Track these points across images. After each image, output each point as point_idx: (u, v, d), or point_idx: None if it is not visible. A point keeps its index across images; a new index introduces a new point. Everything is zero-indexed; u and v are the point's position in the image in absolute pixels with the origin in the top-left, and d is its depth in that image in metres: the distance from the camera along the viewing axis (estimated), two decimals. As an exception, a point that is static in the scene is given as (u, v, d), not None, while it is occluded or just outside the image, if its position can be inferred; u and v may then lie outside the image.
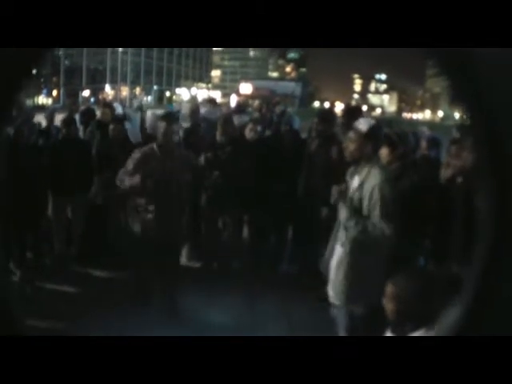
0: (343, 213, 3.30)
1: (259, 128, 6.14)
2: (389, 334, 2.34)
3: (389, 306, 2.33)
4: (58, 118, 6.55)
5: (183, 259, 5.94)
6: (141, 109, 8.92)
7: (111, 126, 5.85)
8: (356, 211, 3.23)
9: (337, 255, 3.41)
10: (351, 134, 3.41)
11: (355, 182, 3.32)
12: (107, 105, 8.46)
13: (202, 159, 5.47)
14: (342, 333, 3.40)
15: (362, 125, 3.35)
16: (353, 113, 5.20)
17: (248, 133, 5.72)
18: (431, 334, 2.07)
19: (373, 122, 3.45)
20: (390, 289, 2.33)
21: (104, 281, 5.48)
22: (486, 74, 0.84)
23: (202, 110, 7.26)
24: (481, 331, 0.87)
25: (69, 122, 5.95)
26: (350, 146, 3.36)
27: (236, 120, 6.37)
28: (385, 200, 3.14)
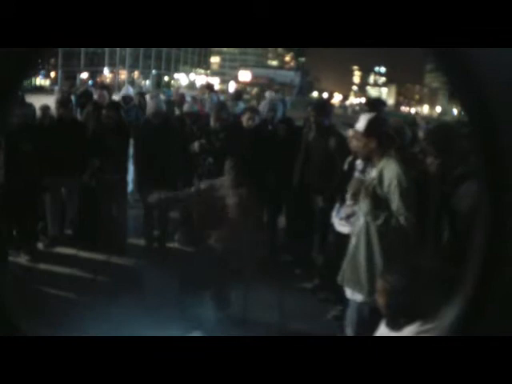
0: (364, 206, 3.27)
1: (257, 117, 6.13)
2: (383, 327, 2.37)
3: (380, 299, 2.36)
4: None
5: (176, 243, 5.97)
6: (142, 94, 8.85)
7: (104, 112, 5.81)
8: (377, 204, 3.21)
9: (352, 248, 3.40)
10: (354, 133, 3.40)
11: (373, 174, 3.31)
12: (104, 87, 8.39)
13: (195, 145, 5.46)
14: (348, 327, 3.41)
15: (360, 123, 3.34)
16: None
17: (246, 121, 5.70)
18: (426, 328, 2.10)
19: (370, 116, 3.41)
20: (379, 283, 2.37)
21: (98, 263, 5.48)
22: (484, 73, 0.84)
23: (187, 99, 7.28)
24: (480, 331, 0.88)
25: (65, 102, 5.90)
26: (354, 143, 3.35)
27: (234, 107, 6.37)
28: (403, 191, 3.13)
